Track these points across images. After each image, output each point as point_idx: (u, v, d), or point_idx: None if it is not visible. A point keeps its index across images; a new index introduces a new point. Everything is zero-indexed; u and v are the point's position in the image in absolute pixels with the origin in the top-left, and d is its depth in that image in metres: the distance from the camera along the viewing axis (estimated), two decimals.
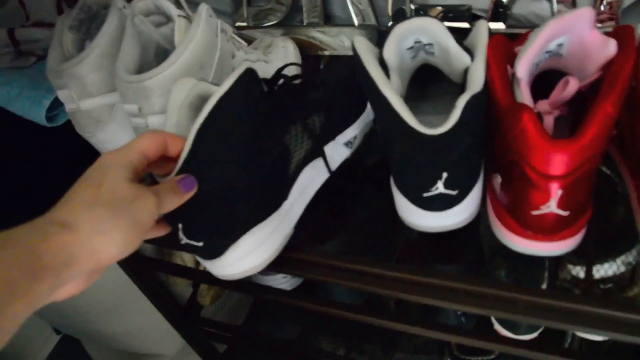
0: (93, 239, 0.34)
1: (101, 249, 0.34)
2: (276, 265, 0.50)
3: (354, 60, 0.46)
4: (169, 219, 0.44)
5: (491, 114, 0.44)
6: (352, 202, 0.60)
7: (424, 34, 0.45)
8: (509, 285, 0.47)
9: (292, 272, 0.61)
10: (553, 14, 0.59)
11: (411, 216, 0.48)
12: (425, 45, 0.46)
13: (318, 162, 0.53)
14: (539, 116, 0.41)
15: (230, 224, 0.45)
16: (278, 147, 0.48)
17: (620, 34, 0.41)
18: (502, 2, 0.61)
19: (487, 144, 0.47)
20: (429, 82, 0.52)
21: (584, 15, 0.39)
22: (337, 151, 0.55)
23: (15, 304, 0.29)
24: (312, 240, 0.55)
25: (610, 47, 0.40)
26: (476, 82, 0.42)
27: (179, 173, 0.41)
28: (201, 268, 0.77)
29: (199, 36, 0.51)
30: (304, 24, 0.71)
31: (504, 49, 0.44)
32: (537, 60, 0.42)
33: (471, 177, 0.46)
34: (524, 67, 0.40)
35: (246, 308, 0.96)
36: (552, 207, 0.40)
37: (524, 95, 0.41)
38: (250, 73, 0.44)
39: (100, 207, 0.34)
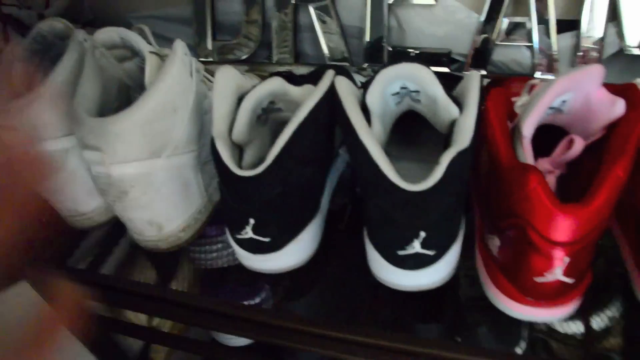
0: None
1: None
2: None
3: (334, 101, 0.43)
4: (236, 214, 0.45)
5: (490, 172, 0.41)
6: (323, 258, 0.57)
7: (411, 81, 0.43)
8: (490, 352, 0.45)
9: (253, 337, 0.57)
10: (533, 63, 0.58)
11: (384, 273, 0.45)
12: (411, 92, 0.44)
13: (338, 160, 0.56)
14: None
15: (296, 219, 0.48)
16: (333, 150, 0.53)
17: (626, 92, 0.40)
18: (484, 47, 0.59)
19: (481, 204, 0.45)
20: (413, 128, 0.50)
21: (594, 73, 0.38)
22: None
23: None
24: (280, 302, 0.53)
25: (618, 107, 0.38)
26: (463, 138, 0.40)
27: (267, 170, 0.42)
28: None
29: (173, 76, 0.46)
30: (273, 61, 0.68)
31: (504, 102, 0.42)
32: (541, 117, 0.40)
33: (450, 237, 0.44)
34: (531, 125, 0.38)
35: None
36: (557, 274, 0.38)
37: (526, 154, 0.39)
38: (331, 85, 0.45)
39: None
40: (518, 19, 0.58)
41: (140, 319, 0.68)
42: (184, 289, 0.57)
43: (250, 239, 0.45)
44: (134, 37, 0.49)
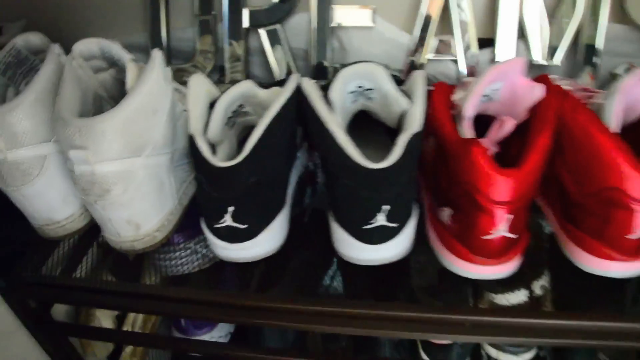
0: None
1: None
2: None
3: (302, 99, 0.50)
4: (216, 203, 0.49)
5: (439, 151, 0.49)
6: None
7: (367, 79, 0.50)
8: (442, 308, 0.51)
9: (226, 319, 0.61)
10: (459, 75, 0.67)
11: (351, 250, 0.50)
12: (366, 90, 0.51)
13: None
14: None
15: (269, 208, 0.52)
16: (296, 148, 0.58)
17: (541, 80, 0.49)
18: (415, 62, 0.68)
19: (429, 186, 0.52)
20: (362, 129, 0.56)
21: (517, 64, 0.47)
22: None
23: None
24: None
25: (537, 92, 0.47)
26: (415, 123, 0.47)
27: (245, 160, 0.46)
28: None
29: (153, 80, 0.51)
30: (225, 83, 0.73)
31: (446, 94, 0.50)
32: (478, 102, 0.48)
33: (408, 210, 0.50)
34: (471, 107, 0.46)
35: None
36: (502, 231, 0.45)
37: (468, 132, 0.47)
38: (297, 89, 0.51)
39: None
40: (444, 38, 0.67)
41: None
42: None
43: (228, 226, 0.49)
44: (114, 47, 0.53)
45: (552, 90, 0.47)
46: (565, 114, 0.47)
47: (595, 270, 0.48)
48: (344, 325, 0.51)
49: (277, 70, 0.71)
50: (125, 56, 0.53)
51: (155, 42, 0.74)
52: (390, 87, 0.49)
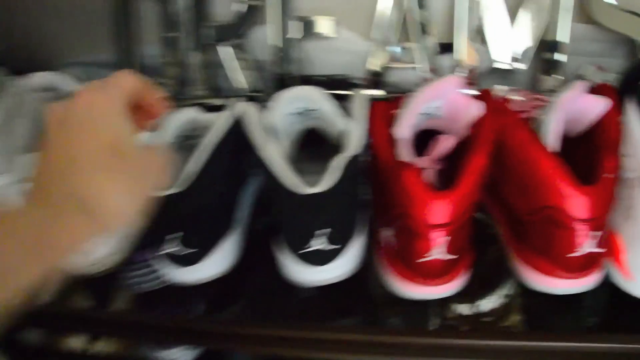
0: (110, 222, 0.31)
1: (112, 228, 0.32)
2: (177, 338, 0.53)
3: (242, 124, 0.50)
4: (166, 229, 0.49)
5: (378, 173, 0.48)
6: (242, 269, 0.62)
7: (307, 101, 0.50)
8: (402, 330, 0.51)
9: (193, 343, 0.62)
10: (420, 81, 0.66)
11: (295, 272, 0.50)
12: (309, 110, 0.51)
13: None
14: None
15: (219, 230, 0.53)
16: (244, 172, 0.58)
17: (482, 97, 0.48)
18: (376, 72, 0.67)
19: (376, 203, 0.51)
20: (316, 145, 0.56)
21: (452, 81, 0.46)
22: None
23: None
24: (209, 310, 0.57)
25: (477, 108, 0.46)
26: (353, 144, 0.47)
27: (190, 186, 0.47)
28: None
29: None
30: (192, 97, 0.73)
31: (384, 113, 0.49)
32: (415, 122, 0.47)
33: (350, 232, 0.50)
34: (401, 130, 0.45)
35: None
36: (438, 253, 0.44)
37: (404, 153, 0.46)
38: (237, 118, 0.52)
39: (119, 182, 0.31)
40: (406, 45, 0.66)
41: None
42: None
43: (177, 251, 0.50)
44: (64, 80, 0.54)
45: (491, 107, 0.46)
46: (504, 132, 0.46)
47: (542, 287, 0.47)
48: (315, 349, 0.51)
49: (242, 84, 0.71)
50: (75, 88, 0.53)
51: (123, 59, 0.74)
52: (330, 107, 0.49)
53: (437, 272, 0.46)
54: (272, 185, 0.48)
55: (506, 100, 0.52)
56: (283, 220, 0.49)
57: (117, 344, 0.72)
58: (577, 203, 0.42)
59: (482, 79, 0.65)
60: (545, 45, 0.63)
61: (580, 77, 0.63)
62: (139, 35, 0.74)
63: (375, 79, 0.67)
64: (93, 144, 0.31)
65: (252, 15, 0.69)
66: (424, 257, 0.45)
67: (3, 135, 0.54)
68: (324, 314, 0.54)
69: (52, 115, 0.33)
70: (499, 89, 0.55)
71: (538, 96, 0.52)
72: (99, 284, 0.61)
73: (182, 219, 0.50)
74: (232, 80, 0.71)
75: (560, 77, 0.63)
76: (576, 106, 0.45)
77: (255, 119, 0.49)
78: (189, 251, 0.50)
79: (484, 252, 0.56)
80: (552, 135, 0.44)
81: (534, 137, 0.44)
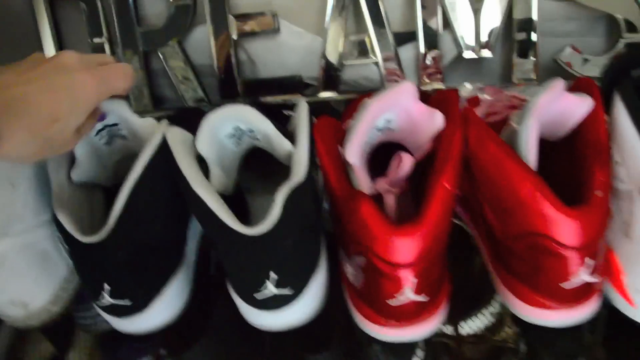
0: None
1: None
2: None
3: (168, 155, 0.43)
4: (89, 284, 0.44)
5: (332, 201, 0.41)
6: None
7: (241, 121, 0.42)
8: None
9: None
10: (381, 77, 0.59)
11: (251, 316, 0.44)
12: (246, 131, 0.44)
13: None
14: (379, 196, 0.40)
15: (155, 276, 0.46)
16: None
17: (444, 103, 0.41)
18: (332, 68, 0.59)
19: (335, 231, 0.44)
20: (268, 162, 0.49)
21: (406, 90, 0.38)
22: None
23: None
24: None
25: (437, 120, 0.39)
26: (298, 172, 0.40)
27: (110, 234, 0.41)
28: None
29: None
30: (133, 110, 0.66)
31: (332, 130, 0.42)
32: (368, 139, 0.40)
33: (305, 272, 0.43)
34: (353, 152, 0.38)
35: None
36: (409, 295, 0.38)
37: (359, 180, 0.39)
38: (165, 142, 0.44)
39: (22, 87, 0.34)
40: (359, 37, 0.58)
41: None
42: (86, 357, 0.55)
43: (110, 305, 0.44)
44: None
45: (453, 117, 0.39)
46: (471, 144, 0.39)
47: (532, 319, 0.41)
48: None
49: (185, 91, 0.63)
50: None
51: None
52: (269, 128, 0.42)
53: (410, 314, 0.40)
54: (209, 226, 0.41)
55: (474, 101, 0.44)
56: (226, 265, 0.42)
57: None
58: (566, 228, 0.35)
59: (448, 70, 0.58)
60: (514, 25, 0.56)
61: (556, 61, 0.56)
62: (66, 44, 0.66)
63: (329, 78, 0.60)
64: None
65: (185, 16, 0.61)
66: (393, 299, 0.38)
67: None
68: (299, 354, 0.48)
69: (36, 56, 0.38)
70: (466, 89, 0.47)
71: (510, 94, 0.45)
72: (61, 328, 0.55)
73: (108, 270, 0.43)
74: (178, 88, 0.63)
75: (533, 58, 0.56)
76: (555, 109, 0.38)
77: (183, 149, 0.42)
78: (120, 303, 0.43)
79: (466, 266, 0.50)
80: (529, 147, 0.37)
81: (508, 151, 0.37)
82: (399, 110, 0.39)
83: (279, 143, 0.42)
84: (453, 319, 0.49)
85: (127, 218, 0.41)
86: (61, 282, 0.51)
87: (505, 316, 0.50)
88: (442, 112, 0.40)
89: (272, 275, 0.40)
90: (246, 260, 0.40)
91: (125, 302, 0.44)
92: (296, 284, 0.42)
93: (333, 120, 0.43)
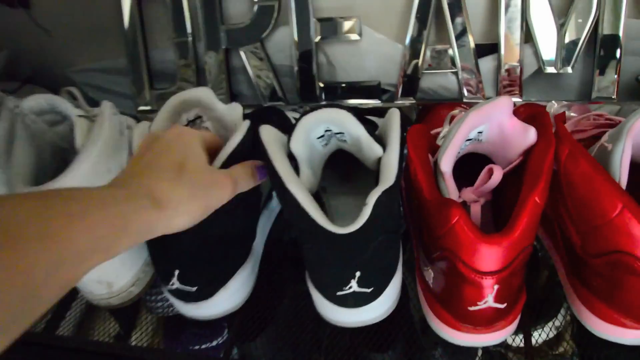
0: (173, 218, 0.37)
1: (174, 224, 0.37)
2: None
3: (261, 152, 0.44)
4: (162, 268, 0.47)
5: (418, 208, 0.42)
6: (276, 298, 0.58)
7: (333, 124, 0.44)
8: None
9: None
10: (460, 87, 0.60)
11: (327, 312, 0.46)
12: (336, 133, 0.45)
13: (271, 203, 0.57)
14: (465, 205, 0.41)
15: (222, 267, 0.48)
16: (255, 194, 0.52)
17: (537, 119, 0.41)
18: (411, 76, 0.61)
19: (416, 236, 0.46)
20: (347, 163, 0.50)
21: (502, 104, 0.39)
22: None
23: (97, 256, 0.31)
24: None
25: (531, 135, 0.40)
26: (388, 176, 0.41)
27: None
28: None
29: (103, 138, 0.47)
30: None
31: (424, 138, 0.43)
32: (459, 150, 0.42)
33: (386, 272, 0.45)
34: (448, 162, 0.39)
35: None
36: (489, 302, 0.39)
37: (449, 188, 0.40)
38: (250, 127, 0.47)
39: (183, 189, 0.38)
40: (440, 47, 0.60)
41: None
42: (147, 338, 0.58)
43: (177, 289, 0.46)
44: (61, 103, 0.49)
45: (546, 133, 0.40)
46: (562, 160, 0.40)
47: (606, 336, 0.42)
48: None
49: (262, 90, 0.65)
50: (72, 111, 0.48)
51: (135, 66, 0.69)
52: (360, 132, 0.43)
53: (487, 321, 0.41)
54: (297, 225, 0.43)
55: (561, 118, 0.45)
56: (313, 265, 0.44)
57: None
58: None
59: (526, 83, 0.59)
60: (599, 42, 0.56)
61: (638, 80, 0.56)
62: (149, 40, 0.69)
63: (407, 85, 0.61)
64: (167, 159, 0.39)
65: (269, 17, 0.63)
66: (474, 306, 0.39)
67: (2, 161, 0.49)
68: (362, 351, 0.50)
69: (149, 134, 0.42)
70: (552, 106, 0.48)
71: (595, 113, 0.46)
72: (129, 310, 0.58)
73: (181, 257, 0.45)
74: (256, 86, 0.65)
75: (615, 76, 0.56)
76: None
77: (276, 146, 0.44)
78: (187, 289, 0.46)
79: (533, 280, 0.51)
80: (622, 167, 0.37)
81: (600, 170, 0.38)
82: (492, 124, 0.40)
83: (369, 147, 0.43)
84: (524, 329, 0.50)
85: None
86: (143, 265, 0.54)
87: (565, 333, 0.51)
88: (533, 126, 0.41)
89: (358, 274, 0.41)
90: (334, 259, 0.41)
91: (192, 289, 0.46)
92: (377, 284, 0.43)
93: (424, 127, 0.44)
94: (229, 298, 0.49)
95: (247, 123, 0.47)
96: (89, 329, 0.63)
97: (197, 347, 0.56)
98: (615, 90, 0.57)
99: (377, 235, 0.41)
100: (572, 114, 0.46)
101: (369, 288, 0.42)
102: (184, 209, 0.38)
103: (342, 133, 0.45)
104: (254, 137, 0.45)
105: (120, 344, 0.58)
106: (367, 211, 0.39)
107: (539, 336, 0.51)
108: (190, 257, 0.45)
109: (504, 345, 0.52)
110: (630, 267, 0.37)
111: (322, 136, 0.45)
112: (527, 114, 0.44)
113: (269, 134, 0.45)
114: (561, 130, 0.41)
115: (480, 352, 0.51)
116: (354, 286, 0.42)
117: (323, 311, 0.47)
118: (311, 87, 0.64)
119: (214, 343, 0.56)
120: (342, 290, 0.42)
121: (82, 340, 0.59)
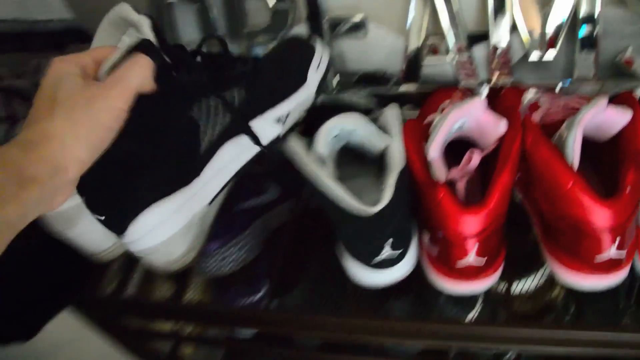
0: (65, 150, 0.36)
1: (73, 155, 0.36)
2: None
3: (292, 159, 0.53)
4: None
5: (415, 188, 0.53)
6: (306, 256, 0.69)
7: (348, 125, 0.53)
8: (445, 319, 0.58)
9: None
10: (454, 73, 0.68)
11: (363, 277, 0.55)
12: (349, 132, 0.54)
13: (242, 139, 0.51)
14: (452, 182, 0.51)
15: (130, 199, 0.44)
16: (182, 120, 0.46)
17: (508, 108, 0.51)
18: (412, 65, 0.69)
19: (417, 210, 0.56)
20: (347, 155, 0.59)
21: (477, 104, 0.49)
22: (267, 128, 0.53)
23: (5, 207, 0.32)
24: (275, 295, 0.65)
25: (502, 126, 0.50)
26: (398, 161, 0.51)
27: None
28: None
29: None
30: None
31: (418, 130, 0.53)
32: (445, 138, 0.51)
33: (408, 238, 0.54)
34: (435, 150, 0.49)
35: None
36: (471, 258, 0.49)
37: (437, 171, 0.50)
38: (145, 45, 0.42)
39: (59, 121, 0.36)
40: (437, 37, 0.68)
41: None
42: (199, 296, 0.70)
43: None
44: None
45: (514, 123, 0.49)
46: (527, 146, 0.50)
47: (569, 282, 0.52)
48: None
49: None
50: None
51: None
52: (371, 129, 0.53)
53: (474, 272, 0.51)
54: (333, 210, 0.50)
55: (534, 106, 0.54)
56: (350, 239, 0.53)
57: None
58: (598, 215, 0.45)
59: (516, 66, 0.67)
60: (578, 24, 0.63)
61: (617, 65, 0.63)
62: (174, 40, 0.77)
63: (410, 73, 0.70)
64: (38, 102, 0.38)
65: (284, 16, 0.72)
66: (460, 261, 0.50)
67: None
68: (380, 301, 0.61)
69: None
70: (530, 93, 0.57)
71: (567, 99, 0.55)
72: (182, 273, 0.65)
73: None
74: None
75: (592, 53, 0.63)
76: (599, 120, 0.48)
77: (304, 150, 0.53)
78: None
79: (523, 234, 0.61)
80: (574, 152, 0.47)
81: (556, 154, 0.48)
82: (470, 118, 0.50)
83: (378, 140, 0.53)
84: (508, 278, 0.60)
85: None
86: (194, 238, 0.58)
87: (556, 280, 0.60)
88: (506, 116, 0.50)
89: (390, 241, 0.51)
90: (368, 231, 0.50)
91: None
92: (404, 246, 0.53)
93: (417, 122, 0.54)
94: (147, 234, 0.46)
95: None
96: (149, 291, 0.75)
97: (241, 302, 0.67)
98: (595, 68, 0.64)
99: (400, 207, 0.50)
100: (544, 101, 0.55)
101: (399, 250, 0.52)
102: (71, 138, 0.36)
103: (356, 130, 0.53)
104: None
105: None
106: (390, 190, 0.49)
107: (527, 284, 0.61)
108: (95, 182, 0.42)
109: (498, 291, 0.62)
110: (584, 229, 0.47)
111: (337, 135, 0.54)
112: (505, 101, 0.53)
113: (294, 142, 0.54)
114: (527, 122, 0.51)
115: (480, 300, 0.62)
116: (388, 250, 0.51)
117: (358, 277, 0.55)
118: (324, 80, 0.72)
119: (257, 297, 0.67)
120: (379, 255, 0.51)
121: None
